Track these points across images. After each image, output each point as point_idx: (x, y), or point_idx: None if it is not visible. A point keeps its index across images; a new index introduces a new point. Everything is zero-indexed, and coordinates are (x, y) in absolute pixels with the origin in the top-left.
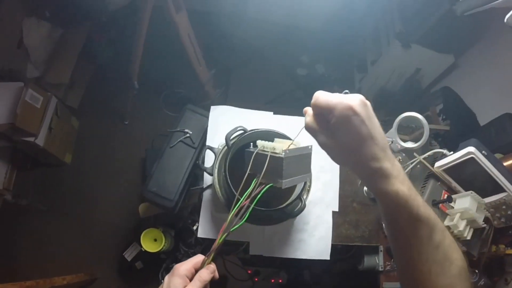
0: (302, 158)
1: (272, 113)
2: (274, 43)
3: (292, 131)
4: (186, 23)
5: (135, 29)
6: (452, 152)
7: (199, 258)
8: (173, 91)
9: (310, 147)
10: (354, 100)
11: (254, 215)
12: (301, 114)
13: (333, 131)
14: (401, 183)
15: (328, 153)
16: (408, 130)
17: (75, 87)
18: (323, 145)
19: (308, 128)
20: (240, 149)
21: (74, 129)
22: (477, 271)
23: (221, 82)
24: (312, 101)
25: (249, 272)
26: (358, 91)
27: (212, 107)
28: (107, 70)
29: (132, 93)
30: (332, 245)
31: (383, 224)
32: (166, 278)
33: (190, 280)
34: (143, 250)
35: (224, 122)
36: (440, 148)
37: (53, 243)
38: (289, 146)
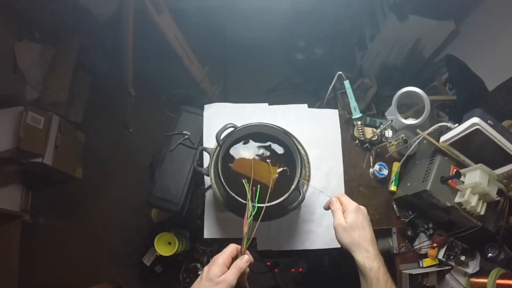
0: None
1: (267, 104)
2: (268, 32)
3: (286, 119)
4: (171, 24)
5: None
6: (457, 125)
7: (232, 247)
8: (172, 93)
9: None
10: (361, 206)
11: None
12: (299, 101)
13: (345, 216)
14: (384, 267)
15: (338, 230)
16: (405, 107)
17: (76, 102)
18: (337, 225)
19: (335, 209)
20: (232, 146)
21: (81, 143)
22: (496, 245)
23: (219, 77)
24: (341, 194)
25: (268, 264)
26: (360, 70)
27: (206, 106)
28: (105, 80)
29: (130, 100)
30: None
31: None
32: (206, 268)
33: (228, 268)
34: (158, 254)
35: (219, 120)
36: (449, 119)
37: (74, 257)
38: None
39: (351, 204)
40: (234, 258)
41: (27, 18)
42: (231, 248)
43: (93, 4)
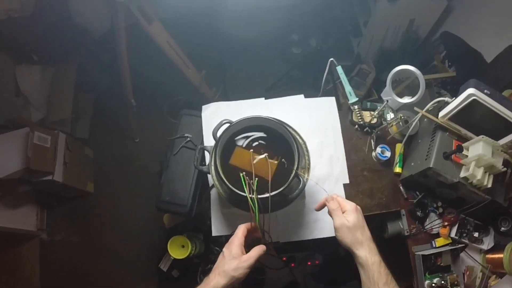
0: None
1: (263, 98)
2: (261, 30)
3: (283, 111)
4: (162, 32)
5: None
6: (454, 98)
7: (242, 227)
8: (174, 100)
9: None
10: (358, 206)
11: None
12: (296, 92)
13: (346, 216)
14: (382, 260)
15: (341, 230)
16: (394, 84)
17: (81, 118)
18: (341, 224)
19: (334, 208)
20: (229, 141)
21: (90, 158)
22: (508, 218)
23: (217, 80)
24: (335, 195)
25: (284, 259)
26: (357, 56)
27: (204, 107)
28: (108, 94)
29: (132, 111)
30: None
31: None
32: (225, 249)
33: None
34: (173, 258)
35: (217, 119)
36: (451, 96)
37: (92, 270)
38: None
39: (349, 204)
40: (246, 237)
41: (24, 42)
42: (242, 229)
43: (87, 21)
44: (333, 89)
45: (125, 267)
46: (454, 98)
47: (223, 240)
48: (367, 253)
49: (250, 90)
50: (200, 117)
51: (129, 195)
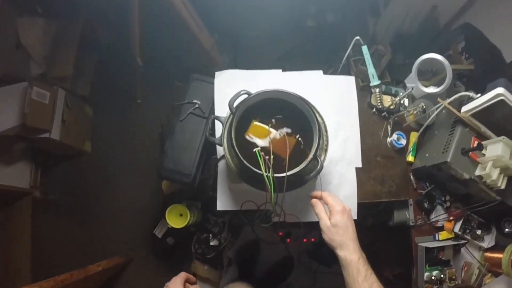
0: None
1: (280, 70)
2: None
3: (300, 86)
4: None
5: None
6: (479, 95)
7: (183, 274)
8: (180, 62)
9: None
10: (347, 207)
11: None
12: (311, 68)
13: (331, 217)
14: (363, 258)
15: (323, 230)
16: (428, 75)
17: (82, 75)
18: (323, 225)
19: (318, 211)
20: (246, 114)
21: (89, 117)
22: None
23: (228, 46)
24: (327, 194)
25: (280, 234)
26: (373, 37)
27: (217, 73)
28: (112, 53)
29: (138, 71)
30: (359, 202)
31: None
32: (170, 285)
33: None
34: (170, 227)
35: (231, 88)
36: (465, 89)
37: (85, 232)
38: None
39: (337, 205)
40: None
41: None
42: (182, 275)
43: None
44: (345, 67)
45: (118, 230)
46: (479, 94)
47: (219, 210)
48: (345, 253)
49: (260, 59)
50: (211, 83)
51: (127, 157)
